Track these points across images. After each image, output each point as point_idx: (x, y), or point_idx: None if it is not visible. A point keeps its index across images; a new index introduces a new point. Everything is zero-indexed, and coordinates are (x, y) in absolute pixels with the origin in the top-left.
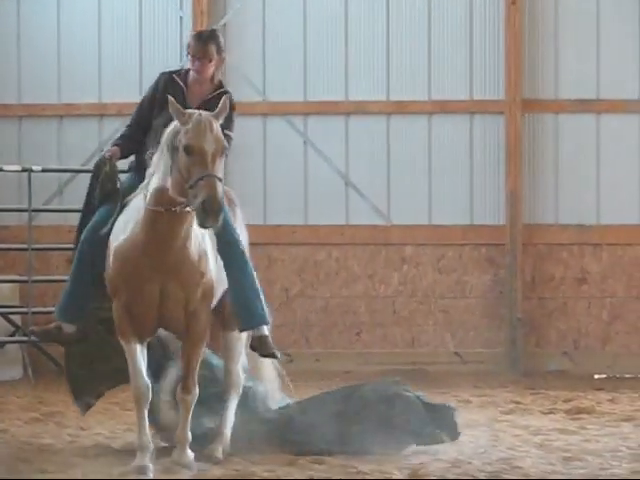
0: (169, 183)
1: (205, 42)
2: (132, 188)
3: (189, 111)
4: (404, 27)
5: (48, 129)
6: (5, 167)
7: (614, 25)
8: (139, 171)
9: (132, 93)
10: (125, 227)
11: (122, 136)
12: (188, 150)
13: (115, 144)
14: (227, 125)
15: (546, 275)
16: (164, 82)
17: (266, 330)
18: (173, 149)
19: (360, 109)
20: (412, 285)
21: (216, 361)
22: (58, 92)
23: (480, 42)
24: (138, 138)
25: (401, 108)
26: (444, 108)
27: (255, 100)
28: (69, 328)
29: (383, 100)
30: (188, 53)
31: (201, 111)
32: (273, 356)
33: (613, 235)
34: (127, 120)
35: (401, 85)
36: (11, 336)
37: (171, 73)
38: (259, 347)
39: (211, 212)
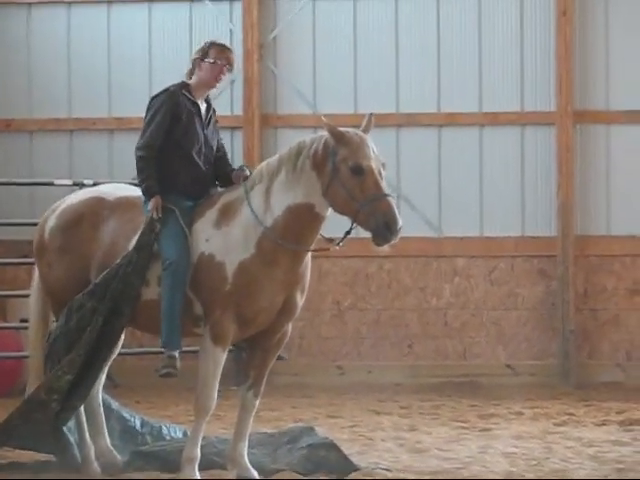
0: (314, 200)
1: (231, 52)
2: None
3: (345, 130)
4: (455, 39)
5: (99, 143)
6: (56, 181)
7: None
8: (170, 190)
9: None
10: (243, 243)
11: (149, 168)
12: (357, 170)
13: (153, 191)
14: (221, 138)
15: (598, 286)
16: (178, 98)
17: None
18: (333, 169)
19: (411, 121)
20: (464, 297)
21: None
22: (109, 106)
23: (531, 53)
24: (160, 159)
25: (452, 120)
26: (495, 120)
27: (306, 113)
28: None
29: (434, 112)
30: (204, 60)
31: (356, 130)
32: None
33: None
34: None
35: (452, 97)
36: None
37: (180, 89)
38: None
39: (394, 232)
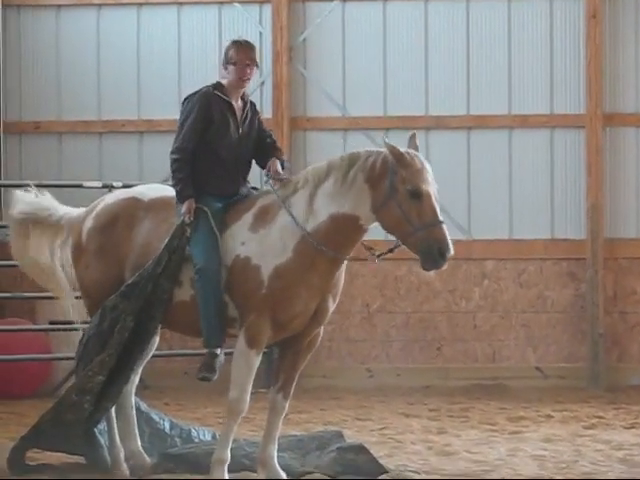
0: (361, 212)
1: (251, 48)
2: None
3: (405, 151)
4: (484, 41)
5: (129, 145)
6: (86, 184)
7: None
8: (201, 192)
9: None
10: (281, 246)
11: (183, 171)
12: (416, 194)
13: (187, 194)
14: (266, 129)
15: (628, 289)
16: (211, 98)
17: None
18: (390, 188)
19: (440, 124)
20: (493, 300)
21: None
22: (138, 108)
23: (560, 56)
24: (194, 162)
25: (481, 122)
26: (525, 122)
27: (335, 115)
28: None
29: (463, 114)
30: (229, 63)
31: (416, 152)
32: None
33: None
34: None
35: (481, 99)
36: None
37: (212, 90)
38: None
39: (445, 259)
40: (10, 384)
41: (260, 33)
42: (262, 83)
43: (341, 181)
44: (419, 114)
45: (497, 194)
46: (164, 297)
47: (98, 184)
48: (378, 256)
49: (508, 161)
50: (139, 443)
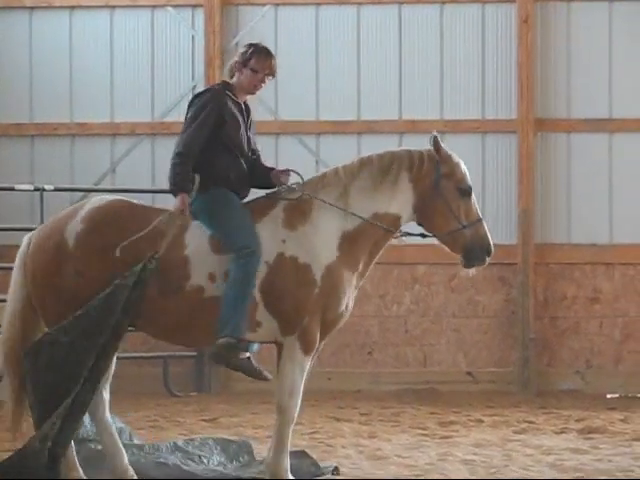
0: (403, 212)
1: (273, 58)
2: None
3: (449, 152)
4: (416, 45)
5: (60, 148)
6: (17, 186)
7: (626, 42)
8: (207, 188)
9: (144, 112)
10: (327, 245)
11: (185, 166)
12: (465, 192)
13: (183, 188)
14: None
15: (558, 294)
16: (223, 98)
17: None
18: (437, 186)
19: (371, 129)
20: (424, 304)
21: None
22: (70, 111)
23: (492, 60)
24: (198, 158)
25: (413, 127)
26: (456, 128)
27: (268, 119)
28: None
29: (395, 119)
30: (246, 67)
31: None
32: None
33: (626, 254)
34: (139, 139)
35: (413, 104)
36: None
37: (223, 89)
38: None
39: (490, 256)
40: None
41: (192, 37)
42: (194, 87)
43: (381, 181)
44: (352, 119)
45: None
46: (121, 332)
47: (30, 187)
48: (403, 235)
49: None
50: (126, 459)
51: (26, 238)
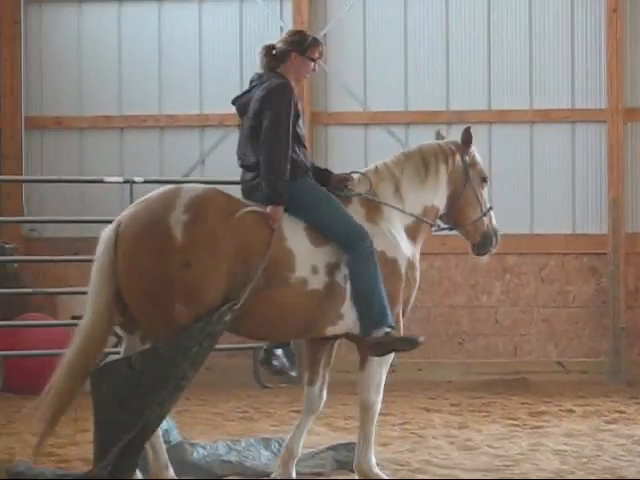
0: (440, 204)
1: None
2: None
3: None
4: (505, 34)
5: (149, 140)
6: (107, 179)
7: None
8: (294, 179)
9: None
10: (402, 239)
11: (287, 174)
12: (486, 181)
13: (283, 200)
14: None
15: None
16: (294, 93)
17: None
18: (467, 176)
19: (461, 119)
20: (514, 294)
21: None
22: (159, 103)
23: (582, 50)
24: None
25: (502, 117)
26: (546, 117)
27: (356, 110)
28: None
29: (484, 109)
30: (304, 55)
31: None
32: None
33: None
34: (228, 131)
35: (502, 94)
36: (114, 346)
37: (289, 81)
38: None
39: (498, 243)
40: (30, 379)
41: (281, 28)
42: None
43: (425, 174)
44: (440, 109)
45: (518, 189)
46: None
47: (119, 179)
48: (439, 229)
49: (529, 156)
50: (166, 457)
51: (111, 230)
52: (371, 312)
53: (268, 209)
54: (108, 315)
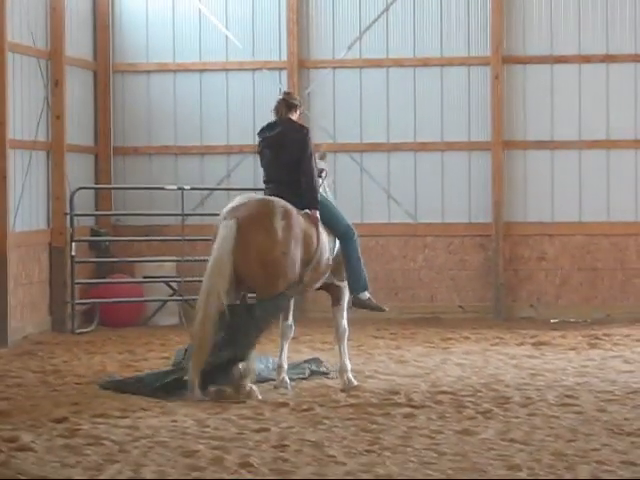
0: None
1: None
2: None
3: None
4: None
5: (194, 162)
6: (167, 187)
7: None
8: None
9: (246, 136)
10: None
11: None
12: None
13: (318, 207)
14: None
15: (518, 255)
16: None
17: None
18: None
19: (396, 148)
20: (431, 262)
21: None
22: (200, 137)
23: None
24: None
25: (424, 147)
26: (450, 147)
27: (328, 141)
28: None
29: (410, 141)
30: (299, 110)
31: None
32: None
33: (563, 228)
34: (245, 155)
35: (422, 130)
36: (171, 296)
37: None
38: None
39: None
40: (117, 318)
41: (279, 89)
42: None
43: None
44: (382, 141)
45: (434, 188)
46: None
47: (174, 187)
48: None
49: (440, 173)
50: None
51: (234, 224)
52: (360, 279)
53: (311, 212)
54: (229, 276)
